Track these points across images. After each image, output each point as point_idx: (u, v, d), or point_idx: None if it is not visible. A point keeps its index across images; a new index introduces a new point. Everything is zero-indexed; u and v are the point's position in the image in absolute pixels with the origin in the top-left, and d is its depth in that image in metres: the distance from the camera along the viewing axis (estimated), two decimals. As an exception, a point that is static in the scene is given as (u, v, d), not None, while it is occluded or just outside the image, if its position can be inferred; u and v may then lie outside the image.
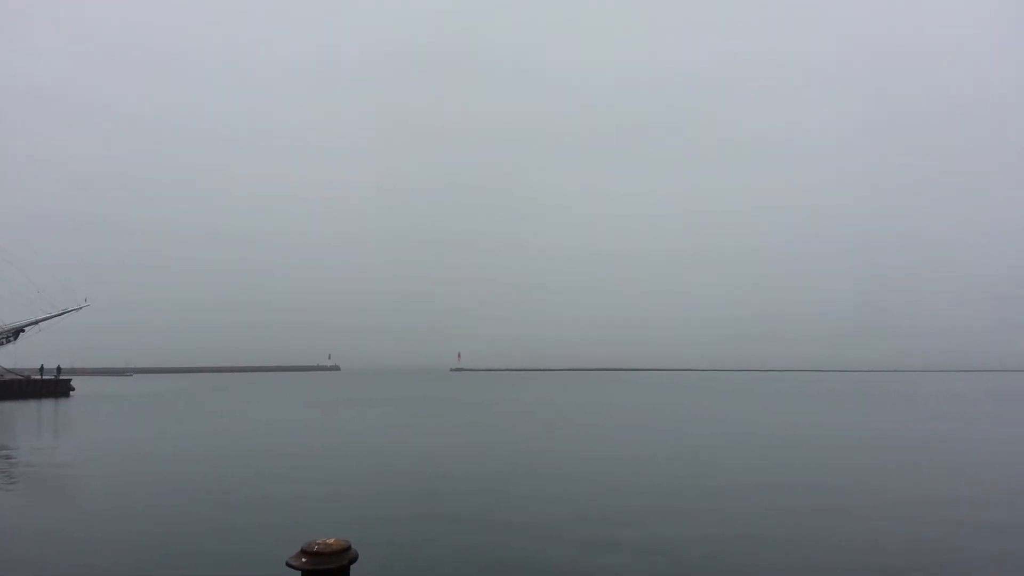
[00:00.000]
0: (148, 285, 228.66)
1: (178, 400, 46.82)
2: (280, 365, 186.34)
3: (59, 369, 58.59)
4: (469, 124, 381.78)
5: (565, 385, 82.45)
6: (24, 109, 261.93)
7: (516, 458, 16.98)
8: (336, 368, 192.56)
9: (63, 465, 16.04)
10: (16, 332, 50.52)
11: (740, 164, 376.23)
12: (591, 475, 14.13)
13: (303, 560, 2.59)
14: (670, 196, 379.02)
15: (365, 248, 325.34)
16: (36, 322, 51.18)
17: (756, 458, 16.72)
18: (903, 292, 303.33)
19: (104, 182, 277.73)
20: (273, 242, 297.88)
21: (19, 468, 15.72)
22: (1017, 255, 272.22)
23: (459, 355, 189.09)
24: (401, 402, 44.03)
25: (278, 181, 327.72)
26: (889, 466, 15.49)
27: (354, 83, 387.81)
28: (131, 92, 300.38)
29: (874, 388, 71.35)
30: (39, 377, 53.88)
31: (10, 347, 50.95)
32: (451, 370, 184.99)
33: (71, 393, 52.57)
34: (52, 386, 52.14)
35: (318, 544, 2.63)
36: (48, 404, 42.11)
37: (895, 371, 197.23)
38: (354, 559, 2.67)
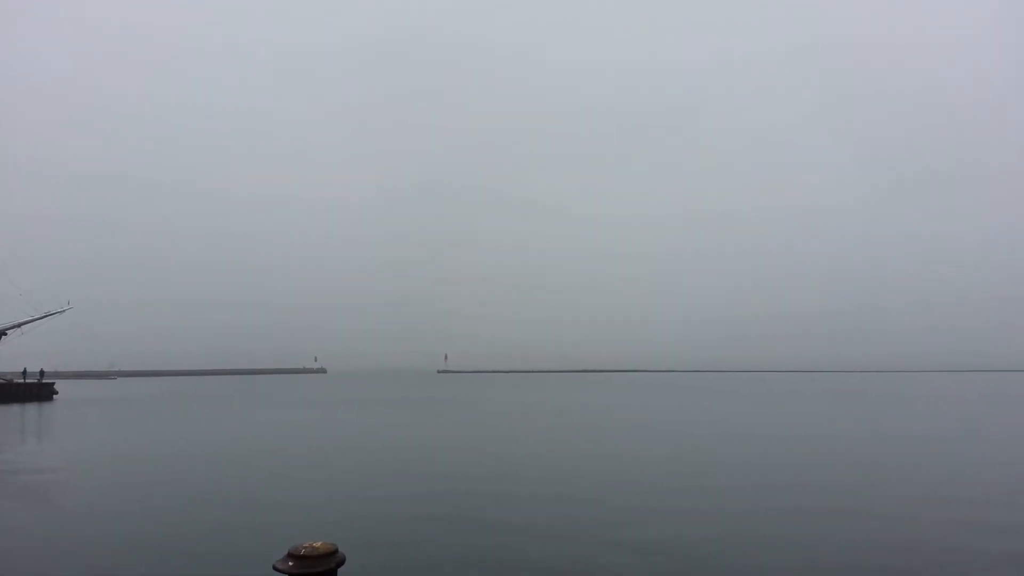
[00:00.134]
0: (142, 286, 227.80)
1: (162, 403, 46.63)
2: (266, 368, 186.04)
3: (42, 373, 58.26)
4: (469, 124, 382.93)
5: (559, 387, 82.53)
6: (24, 109, 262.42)
7: (506, 459, 17.01)
8: (323, 371, 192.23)
9: (46, 470, 15.95)
10: (-2, 335, 50.18)
11: (740, 164, 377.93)
12: (585, 476, 14.15)
13: (290, 564, 2.60)
14: (670, 196, 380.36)
15: (357, 249, 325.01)
16: (18, 325, 50.80)
17: (756, 458, 16.78)
18: (903, 292, 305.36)
19: (104, 182, 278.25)
20: (270, 243, 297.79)
21: (1, 473, 15.63)
22: (1017, 254, 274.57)
23: (446, 357, 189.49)
24: (389, 404, 43.98)
25: (278, 181, 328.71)
26: (889, 466, 15.59)
27: (354, 83, 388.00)
28: (131, 92, 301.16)
29: (874, 388, 71.76)
30: (22, 381, 53.57)
31: (-8, 350, 50.63)
32: (438, 372, 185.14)
33: (54, 397, 52.29)
34: (35, 390, 51.84)
35: (305, 547, 2.64)
36: (31, 408, 41.88)
37: (895, 371, 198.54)
38: (341, 562, 2.67)
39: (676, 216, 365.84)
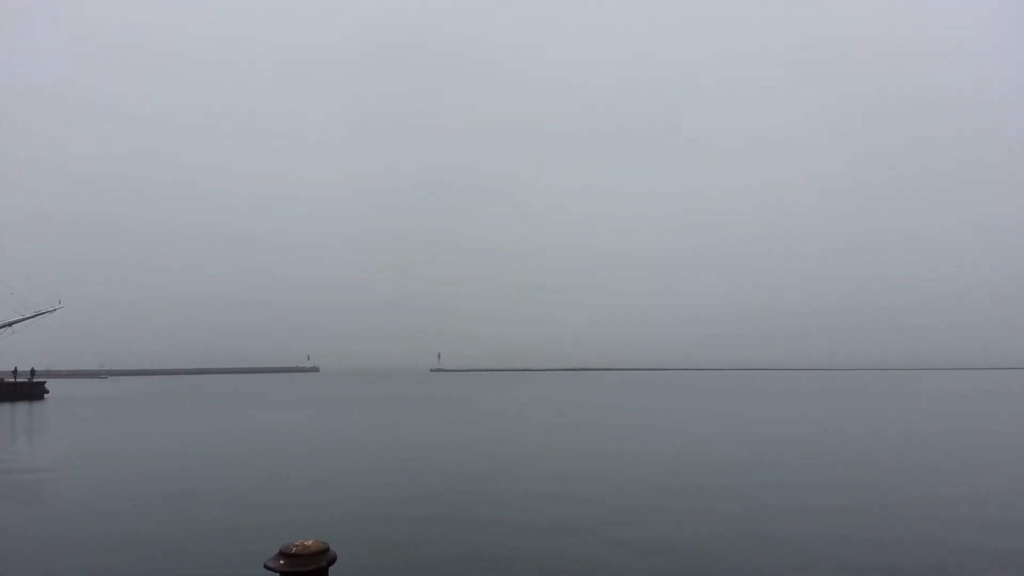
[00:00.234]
0: (135, 285, 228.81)
1: (154, 402, 46.56)
2: (258, 367, 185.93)
3: (33, 372, 58.15)
4: (469, 124, 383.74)
5: (553, 385, 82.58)
6: (24, 109, 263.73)
7: (500, 458, 17.02)
8: (315, 369, 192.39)
9: (37, 469, 15.94)
10: (-12, 334, 50.09)
11: (740, 164, 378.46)
12: (579, 474, 14.16)
13: (281, 562, 2.62)
14: (670, 196, 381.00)
15: (355, 249, 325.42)
16: (9, 324, 50.72)
17: (754, 456, 16.79)
18: (903, 291, 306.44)
19: (104, 182, 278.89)
20: (268, 243, 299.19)
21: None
22: (1017, 254, 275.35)
23: (439, 356, 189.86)
24: (382, 402, 43.97)
25: (278, 181, 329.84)
26: (888, 464, 15.64)
27: (354, 83, 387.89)
28: (131, 92, 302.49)
29: (874, 386, 71.95)
30: (12, 380, 53.45)
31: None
32: (431, 371, 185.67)
33: (45, 396, 52.21)
34: (26, 389, 51.71)
35: (296, 546, 2.65)
36: (22, 407, 41.81)
37: (895, 369, 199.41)
38: (332, 561, 2.69)
39: (676, 216, 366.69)
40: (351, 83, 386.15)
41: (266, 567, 2.65)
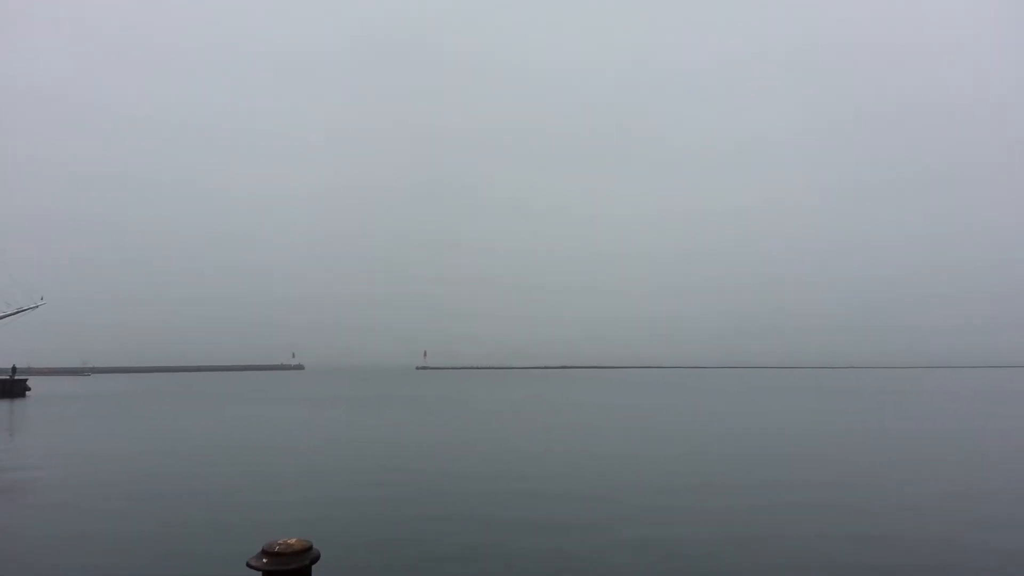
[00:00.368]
0: (122, 283, 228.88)
1: (138, 400, 46.30)
2: (244, 364, 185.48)
3: (14, 369, 57.60)
4: (469, 124, 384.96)
5: (542, 384, 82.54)
6: (24, 109, 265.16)
7: (486, 455, 17.11)
8: (300, 367, 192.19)
9: (19, 467, 15.83)
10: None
11: (740, 164, 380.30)
12: (570, 473, 14.14)
13: (264, 560, 2.63)
14: (670, 196, 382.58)
15: (353, 248, 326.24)
16: (-11, 320, 50.36)
17: (755, 456, 16.81)
18: (902, 291, 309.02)
19: (104, 182, 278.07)
20: (269, 242, 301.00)
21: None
22: (1016, 254, 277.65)
23: (425, 353, 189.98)
24: (372, 400, 43.87)
25: (278, 181, 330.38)
26: (888, 463, 15.75)
27: (354, 83, 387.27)
28: (131, 92, 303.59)
29: (874, 385, 72.22)
30: (-7, 377, 53.06)
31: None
32: (417, 368, 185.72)
33: (27, 393, 51.85)
34: (7, 386, 51.30)
35: (279, 544, 2.66)
36: (3, 405, 41.52)
37: (895, 367, 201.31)
38: (316, 559, 2.70)
39: (676, 216, 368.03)
40: (351, 83, 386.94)
41: (249, 566, 2.66)
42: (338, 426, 27.42)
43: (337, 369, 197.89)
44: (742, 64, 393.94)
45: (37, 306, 51.91)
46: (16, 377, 54.73)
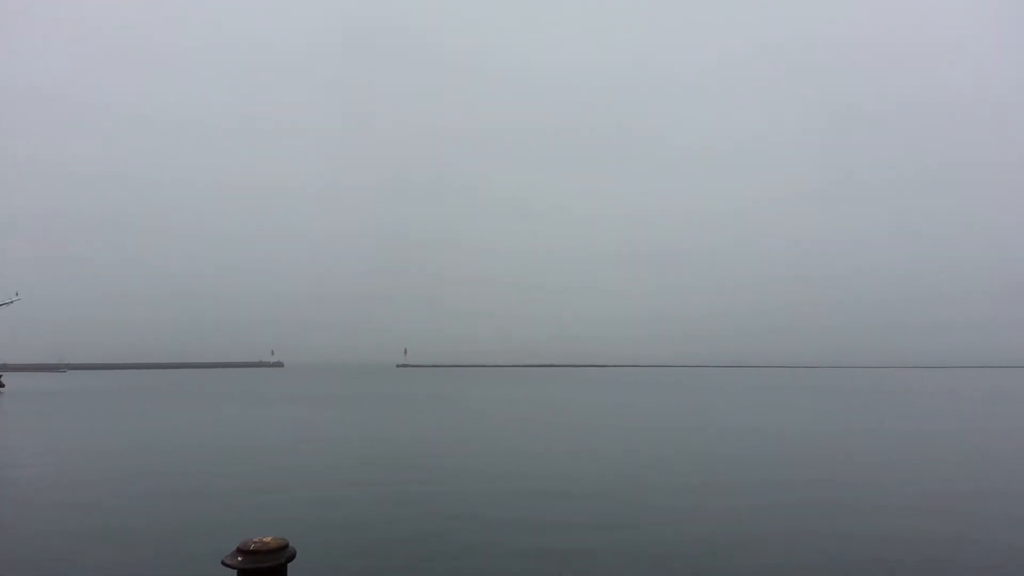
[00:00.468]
0: (98, 279, 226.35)
1: (115, 398, 45.76)
2: (222, 361, 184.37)
3: (-12, 364, 56.83)
4: (469, 124, 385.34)
5: (528, 382, 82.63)
6: (24, 109, 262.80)
7: (461, 454, 17.08)
8: (279, 364, 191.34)
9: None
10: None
11: (740, 164, 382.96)
12: (566, 473, 14.15)
13: (239, 559, 2.66)
14: (670, 196, 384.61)
15: (352, 248, 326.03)
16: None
17: (753, 455, 16.90)
18: (902, 290, 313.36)
19: (104, 182, 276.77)
20: (268, 242, 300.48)
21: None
22: (1016, 254, 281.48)
23: (406, 351, 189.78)
24: (349, 399, 43.67)
25: (277, 180, 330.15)
26: (888, 462, 15.95)
27: (354, 82, 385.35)
28: (131, 92, 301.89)
29: (872, 384, 72.85)
30: (-35, 372, 52.25)
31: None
32: (397, 366, 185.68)
33: (1, 390, 51.12)
34: (-21, 382, 50.65)
35: (254, 543, 2.69)
36: (-25, 401, 40.94)
37: (894, 367, 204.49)
38: (291, 557, 2.74)
39: (676, 216, 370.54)
40: (351, 83, 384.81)
41: (224, 564, 2.68)
42: (314, 424, 27.27)
43: (316, 367, 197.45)
44: (742, 64, 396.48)
45: (11, 302, 51.26)
46: (-11, 373, 54.03)
